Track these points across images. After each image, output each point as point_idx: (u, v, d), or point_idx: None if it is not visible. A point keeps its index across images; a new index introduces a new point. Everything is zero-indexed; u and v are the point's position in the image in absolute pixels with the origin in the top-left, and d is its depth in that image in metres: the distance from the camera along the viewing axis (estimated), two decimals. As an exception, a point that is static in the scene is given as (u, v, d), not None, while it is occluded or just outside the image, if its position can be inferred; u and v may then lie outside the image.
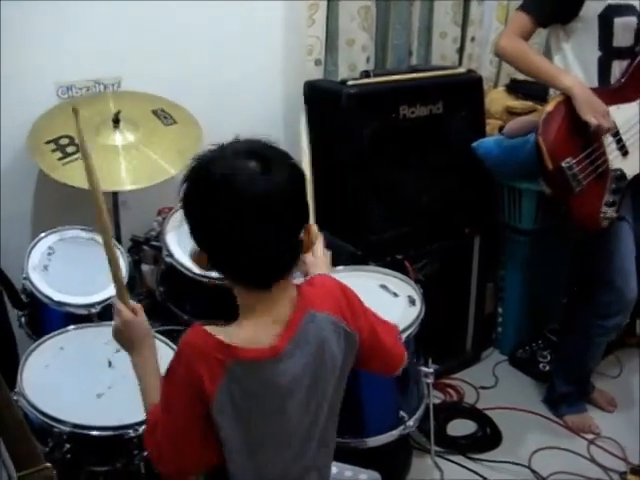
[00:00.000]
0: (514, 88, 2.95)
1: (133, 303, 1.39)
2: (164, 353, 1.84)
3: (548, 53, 2.44)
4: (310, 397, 1.24)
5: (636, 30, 2.25)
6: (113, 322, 1.38)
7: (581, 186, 2.19)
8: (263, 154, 1.16)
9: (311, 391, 1.24)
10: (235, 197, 1.11)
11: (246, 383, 1.17)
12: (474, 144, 2.68)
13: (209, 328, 1.19)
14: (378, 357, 1.38)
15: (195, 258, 1.20)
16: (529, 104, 2.83)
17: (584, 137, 2.19)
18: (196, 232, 1.18)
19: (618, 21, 2.21)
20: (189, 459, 1.21)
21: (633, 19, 2.23)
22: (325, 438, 1.32)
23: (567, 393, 2.61)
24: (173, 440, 1.19)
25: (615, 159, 2.26)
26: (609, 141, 2.24)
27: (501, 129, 2.75)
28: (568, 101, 2.19)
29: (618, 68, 2.27)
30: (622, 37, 2.24)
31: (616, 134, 2.25)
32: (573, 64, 2.29)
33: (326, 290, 1.30)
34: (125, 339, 1.36)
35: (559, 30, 2.30)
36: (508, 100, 2.93)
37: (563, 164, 2.16)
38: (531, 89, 2.84)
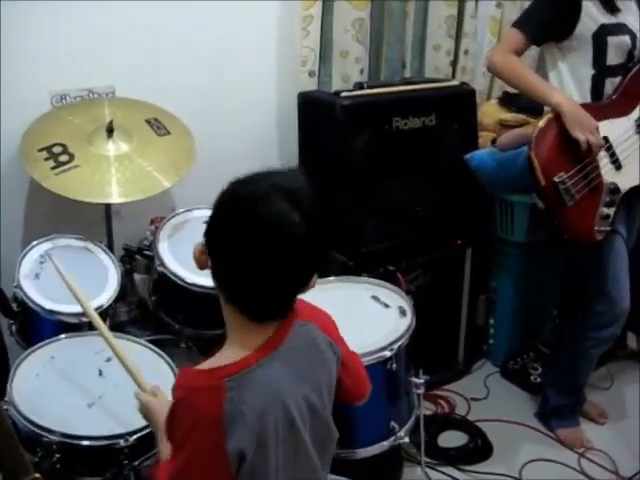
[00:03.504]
0: (507, 101, 2.97)
1: (150, 385, 1.48)
2: (154, 362, 1.86)
3: (543, 69, 2.46)
4: (311, 404, 1.27)
5: (629, 49, 2.28)
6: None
7: (574, 200, 2.21)
8: (297, 197, 1.15)
9: (312, 399, 1.27)
10: (273, 239, 1.11)
11: (247, 394, 1.16)
12: (467, 156, 2.69)
13: (198, 367, 1.22)
14: (352, 380, 1.44)
15: (197, 255, 1.21)
16: (521, 117, 2.85)
17: (577, 152, 2.21)
18: (222, 260, 1.18)
19: (611, 40, 2.25)
20: None
21: (626, 38, 2.27)
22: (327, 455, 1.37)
23: (560, 406, 2.61)
24: None
25: (608, 172, 2.27)
26: (602, 155, 2.26)
27: (494, 142, 2.77)
28: (560, 117, 2.21)
29: (611, 86, 2.30)
30: (615, 56, 2.27)
31: (609, 148, 2.27)
32: (568, 81, 2.32)
33: (313, 308, 1.37)
34: (149, 419, 1.43)
35: (554, 48, 2.32)
36: (501, 113, 2.94)
37: (556, 179, 2.18)
38: (524, 102, 2.85)
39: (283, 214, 1.11)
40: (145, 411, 1.43)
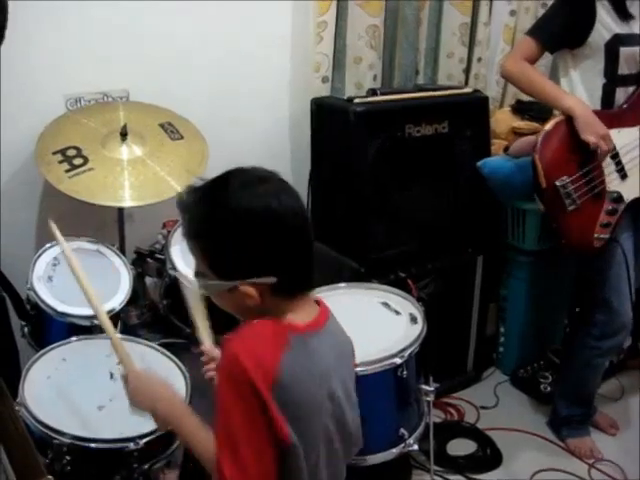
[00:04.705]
0: (520, 109, 2.97)
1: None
2: (166, 366, 1.87)
3: (555, 76, 2.46)
4: (345, 387, 1.29)
5: None
6: (126, 389, 1.34)
7: (575, 205, 2.21)
8: (276, 177, 1.24)
9: (345, 382, 1.29)
10: (298, 221, 1.18)
11: (303, 358, 1.17)
12: (479, 163, 2.69)
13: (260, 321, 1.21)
14: None
15: (250, 295, 1.19)
16: (534, 125, 2.84)
17: (582, 157, 2.22)
18: (262, 261, 1.17)
19: (624, 50, 2.24)
20: None
21: (638, 49, 2.26)
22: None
23: (570, 416, 2.60)
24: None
25: (613, 181, 2.27)
26: (608, 163, 2.27)
27: (506, 149, 2.77)
28: (568, 121, 2.21)
29: (622, 95, 2.30)
30: (627, 66, 2.27)
31: (615, 156, 2.27)
32: (579, 89, 2.32)
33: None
34: (145, 394, 1.32)
35: (567, 55, 2.33)
36: (513, 120, 2.94)
37: (557, 183, 2.18)
38: (537, 110, 2.86)
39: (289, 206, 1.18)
40: (139, 382, 1.33)
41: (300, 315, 1.22)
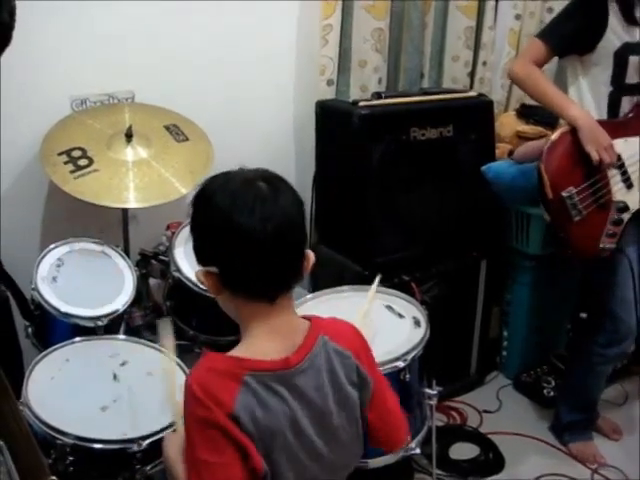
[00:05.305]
0: (524, 113, 2.96)
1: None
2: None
3: (562, 82, 2.45)
4: (321, 424, 1.23)
5: None
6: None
7: (581, 215, 2.20)
8: (270, 179, 1.23)
9: (322, 418, 1.23)
10: (249, 220, 1.16)
11: (262, 395, 1.15)
12: (483, 167, 2.69)
13: (217, 354, 1.21)
14: (383, 420, 1.37)
15: (203, 280, 1.23)
16: (539, 129, 2.84)
17: (588, 167, 2.20)
18: (207, 251, 1.22)
19: (633, 59, 2.23)
20: None
21: None
22: None
23: (573, 421, 2.60)
24: None
25: (619, 191, 2.26)
26: (614, 173, 2.25)
27: (511, 153, 2.76)
28: (574, 131, 2.20)
29: (628, 104, 2.29)
30: (635, 75, 2.25)
31: (621, 166, 2.26)
32: (587, 96, 2.31)
33: (342, 327, 1.33)
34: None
35: (576, 62, 2.31)
36: (518, 125, 2.94)
37: (564, 193, 2.17)
38: (541, 114, 2.85)
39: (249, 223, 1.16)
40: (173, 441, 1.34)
41: (274, 343, 1.20)
